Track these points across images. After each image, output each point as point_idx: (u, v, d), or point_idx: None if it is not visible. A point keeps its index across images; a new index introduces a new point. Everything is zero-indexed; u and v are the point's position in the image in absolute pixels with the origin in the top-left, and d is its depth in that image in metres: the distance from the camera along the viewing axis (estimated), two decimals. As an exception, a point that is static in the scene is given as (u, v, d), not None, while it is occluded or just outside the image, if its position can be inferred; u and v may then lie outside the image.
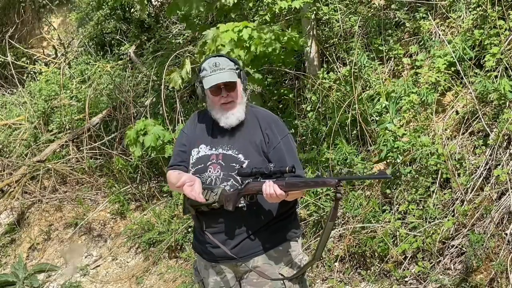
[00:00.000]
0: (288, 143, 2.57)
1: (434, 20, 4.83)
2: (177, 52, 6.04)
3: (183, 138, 2.70)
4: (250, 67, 4.74)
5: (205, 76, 2.53)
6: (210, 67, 2.53)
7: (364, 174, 4.37)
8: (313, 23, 5.15)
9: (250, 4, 5.34)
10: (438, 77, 4.40)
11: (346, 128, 4.67)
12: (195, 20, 6.16)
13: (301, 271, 2.57)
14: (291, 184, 2.34)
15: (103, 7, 8.08)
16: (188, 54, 5.45)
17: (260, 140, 2.54)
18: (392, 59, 4.99)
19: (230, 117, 2.54)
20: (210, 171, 2.54)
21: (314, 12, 5.10)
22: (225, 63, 2.55)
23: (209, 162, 2.55)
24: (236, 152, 2.54)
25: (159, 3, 8.12)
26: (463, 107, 4.31)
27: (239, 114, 2.54)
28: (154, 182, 6.14)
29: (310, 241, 4.40)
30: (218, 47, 4.39)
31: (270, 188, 2.33)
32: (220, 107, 2.54)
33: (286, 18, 5.69)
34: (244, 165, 2.50)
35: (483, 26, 4.43)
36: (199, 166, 2.56)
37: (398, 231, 4.01)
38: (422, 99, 4.42)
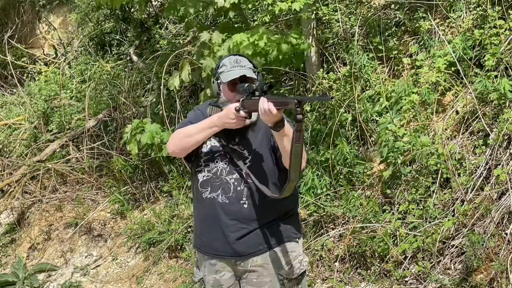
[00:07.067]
0: None
1: (434, 20, 4.83)
2: (176, 52, 6.03)
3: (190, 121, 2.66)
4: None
5: (225, 72, 2.54)
6: (231, 63, 2.55)
7: (364, 173, 4.40)
8: (313, 23, 5.15)
9: (249, 6, 5.33)
10: (438, 77, 4.40)
11: (346, 128, 4.68)
12: (193, 19, 6.15)
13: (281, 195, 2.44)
14: (278, 103, 2.29)
15: (102, 7, 8.06)
16: (186, 56, 5.43)
17: (267, 135, 2.55)
18: (392, 59, 4.99)
19: None
20: (217, 162, 2.56)
21: (314, 12, 5.09)
22: (246, 61, 2.57)
23: (217, 153, 2.57)
24: (241, 148, 2.55)
25: (159, 3, 8.11)
26: (463, 107, 4.31)
27: (253, 116, 2.50)
28: (154, 182, 6.13)
29: (310, 241, 4.40)
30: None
31: (264, 104, 2.27)
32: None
33: (286, 18, 5.68)
34: (247, 161, 2.52)
35: (483, 26, 4.43)
36: (208, 156, 2.58)
37: (398, 231, 4.01)
38: (422, 99, 4.42)
